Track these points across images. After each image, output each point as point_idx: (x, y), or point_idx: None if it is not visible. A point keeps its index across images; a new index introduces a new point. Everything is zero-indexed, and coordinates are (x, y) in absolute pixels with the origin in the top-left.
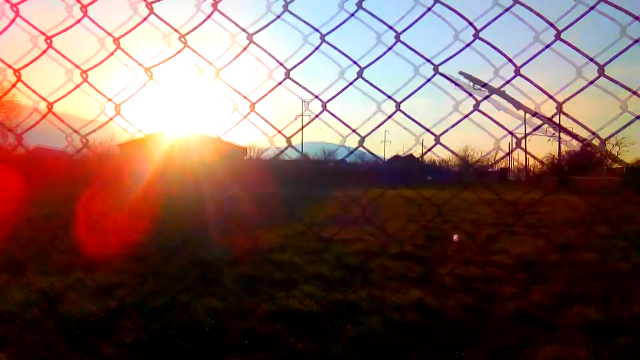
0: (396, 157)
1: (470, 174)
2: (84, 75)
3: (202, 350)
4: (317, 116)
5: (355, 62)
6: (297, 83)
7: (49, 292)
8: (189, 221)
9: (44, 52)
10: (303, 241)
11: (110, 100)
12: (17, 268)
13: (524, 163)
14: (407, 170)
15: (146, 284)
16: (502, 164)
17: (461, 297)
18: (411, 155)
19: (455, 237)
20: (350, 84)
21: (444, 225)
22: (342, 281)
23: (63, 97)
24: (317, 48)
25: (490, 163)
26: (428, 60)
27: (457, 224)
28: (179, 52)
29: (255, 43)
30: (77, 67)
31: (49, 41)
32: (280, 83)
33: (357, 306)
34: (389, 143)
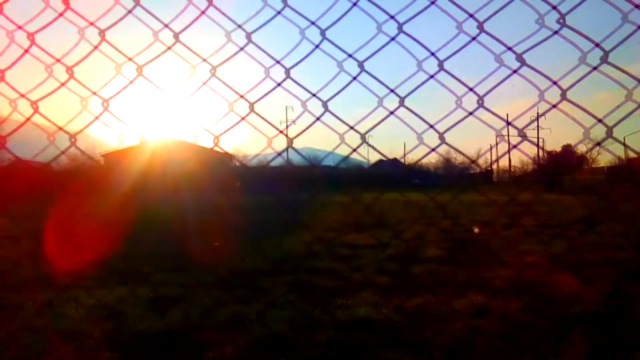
0: (381, 162)
1: (454, 175)
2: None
3: None
4: (243, 118)
5: (278, 61)
6: (223, 82)
7: (101, 307)
8: (205, 230)
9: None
10: (327, 247)
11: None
12: (56, 283)
13: (509, 164)
14: (392, 174)
15: (198, 296)
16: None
17: (522, 300)
18: (395, 159)
19: (475, 230)
20: (279, 85)
21: (458, 228)
22: (392, 287)
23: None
24: (242, 48)
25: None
26: (351, 56)
27: (469, 227)
28: (96, 47)
29: (181, 42)
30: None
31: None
32: (205, 83)
33: (426, 312)
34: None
